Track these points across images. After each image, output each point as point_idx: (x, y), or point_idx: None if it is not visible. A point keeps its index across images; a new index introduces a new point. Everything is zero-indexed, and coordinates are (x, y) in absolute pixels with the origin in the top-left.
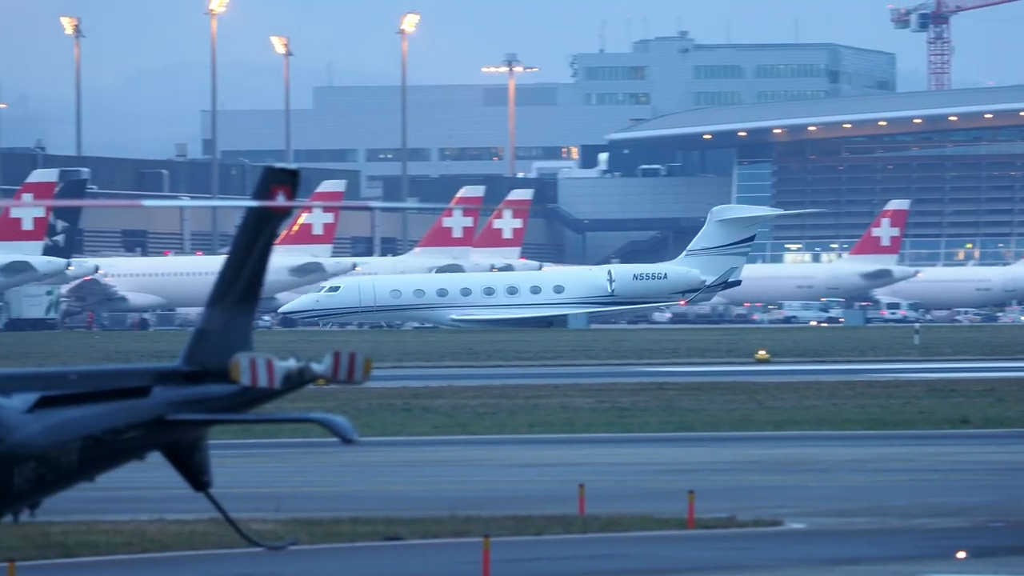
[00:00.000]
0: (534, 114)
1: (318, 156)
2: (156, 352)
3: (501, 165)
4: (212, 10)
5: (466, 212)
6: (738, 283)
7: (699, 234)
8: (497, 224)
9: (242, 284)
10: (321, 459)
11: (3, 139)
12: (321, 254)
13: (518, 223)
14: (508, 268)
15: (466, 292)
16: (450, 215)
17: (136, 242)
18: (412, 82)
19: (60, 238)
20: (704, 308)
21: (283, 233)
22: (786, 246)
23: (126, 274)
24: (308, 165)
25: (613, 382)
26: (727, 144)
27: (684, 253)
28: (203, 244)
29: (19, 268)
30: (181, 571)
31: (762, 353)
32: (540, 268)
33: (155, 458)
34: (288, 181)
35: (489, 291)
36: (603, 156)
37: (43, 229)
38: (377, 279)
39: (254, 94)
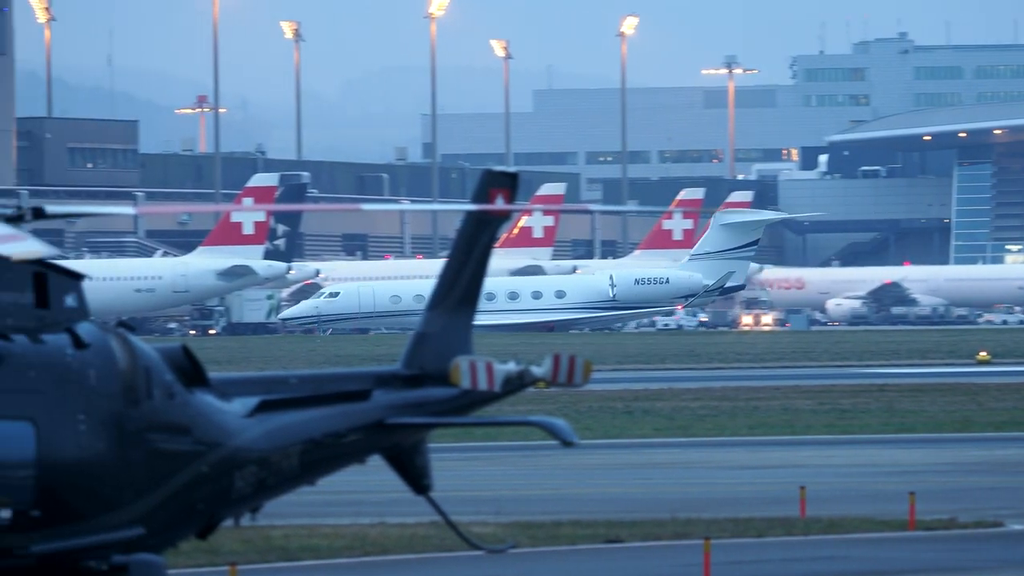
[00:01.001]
0: (754, 116)
1: (538, 159)
2: (377, 356)
3: (721, 167)
4: (431, 14)
5: (686, 215)
6: (742, 287)
7: (702, 238)
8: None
9: (462, 287)
10: (541, 462)
11: (224, 144)
12: (541, 257)
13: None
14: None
15: (489, 297)
16: (670, 218)
17: (356, 246)
18: (631, 84)
19: (281, 242)
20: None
21: (503, 236)
22: (1007, 247)
23: (347, 278)
24: (528, 168)
25: (833, 383)
26: (947, 145)
27: (688, 257)
28: (423, 247)
29: (240, 272)
30: (402, 574)
31: (983, 354)
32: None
33: (376, 461)
34: (507, 184)
35: (490, 296)
36: (823, 158)
37: (264, 233)
38: (377, 284)
39: (473, 97)
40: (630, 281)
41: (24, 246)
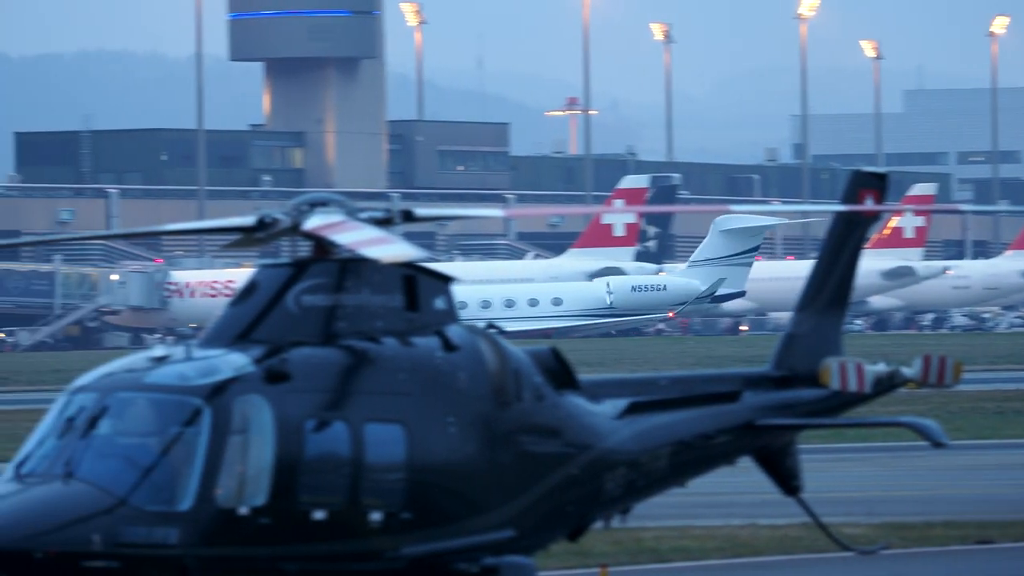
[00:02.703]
0: None
1: (908, 159)
2: (748, 357)
3: None
4: (801, 14)
5: None
6: (742, 294)
7: (702, 244)
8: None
9: (831, 288)
10: (912, 463)
11: (595, 145)
12: (912, 258)
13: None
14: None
15: (461, 306)
16: None
17: None
18: (1004, 84)
19: (652, 244)
20: None
21: (873, 237)
22: None
23: None
24: (897, 168)
25: None
26: None
27: (687, 264)
28: (794, 249)
29: (611, 274)
30: None
31: None
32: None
33: (746, 463)
34: (877, 185)
35: (486, 304)
36: None
37: (635, 235)
38: None
39: (843, 97)
40: (627, 288)
41: (394, 249)
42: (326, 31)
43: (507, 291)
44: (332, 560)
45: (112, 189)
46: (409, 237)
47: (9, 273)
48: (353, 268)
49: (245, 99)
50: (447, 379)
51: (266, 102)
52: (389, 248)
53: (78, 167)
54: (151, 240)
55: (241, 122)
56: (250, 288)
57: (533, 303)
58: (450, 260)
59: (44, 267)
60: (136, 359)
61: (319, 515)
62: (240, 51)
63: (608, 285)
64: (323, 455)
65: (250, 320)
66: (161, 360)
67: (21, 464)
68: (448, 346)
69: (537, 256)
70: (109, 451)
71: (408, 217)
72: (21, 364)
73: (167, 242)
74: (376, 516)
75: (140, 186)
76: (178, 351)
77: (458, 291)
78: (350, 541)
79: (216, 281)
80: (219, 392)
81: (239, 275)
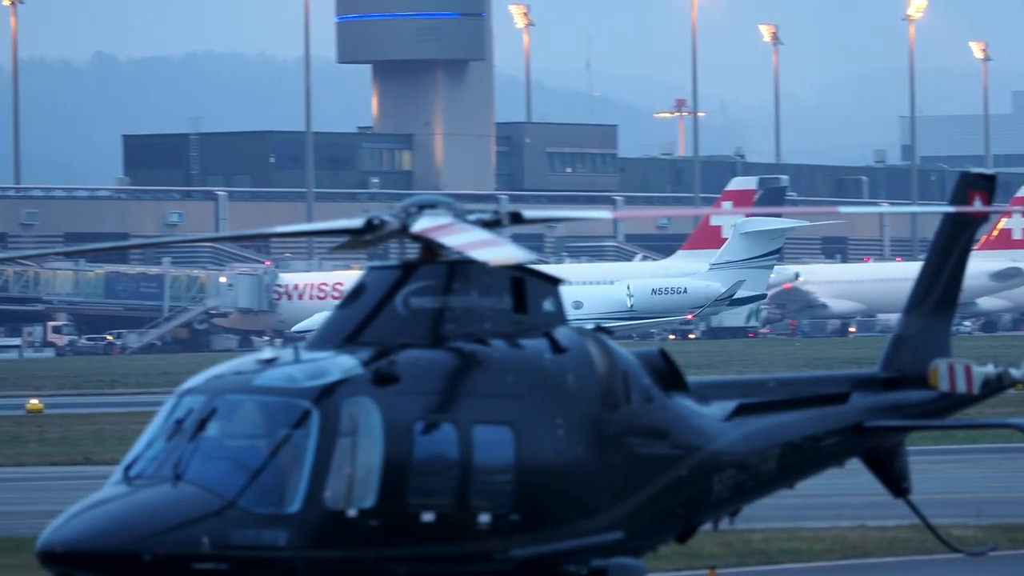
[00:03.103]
0: None
1: (1016, 161)
2: (857, 359)
3: None
4: (910, 16)
5: None
6: (763, 297)
7: (723, 247)
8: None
9: (939, 290)
10: (1022, 464)
11: (703, 147)
12: (1021, 259)
13: None
14: None
15: None
16: None
17: (836, 249)
18: None
19: None
20: None
21: (981, 238)
22: None
23: (826, 281)
24: (1006, 170)
25: None
26: None
27: (708, 267)
28: (902, 250)
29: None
30: None
31: None
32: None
33: (854, 464)
34: (985, 186)
35: None
36: None
37: None
38: None
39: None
40: (647, 291)
41: (502, 251)
42: (434, 33)
43: None
44: (441, 562)
45: (220, 192)
46: (517, 239)
47: (118, 276)
48: (461, 270)
49: (353, 101)
50: (555, 381)
51: (374, 104)
52: (497, 250)
53: (187, 170)
54: (259, 242)
55: (349, 124)
56: (358, 290)
57: None
58: (559, 262)
59: (153, 270)
60: (244, 361)
61: (428, 517)
62: (348, 53)
63: (628, 288)
64: (431, 457)
65: (358, 322)
66: (269, 362)
67: (130, 466)
68: (556, 348)
69: (645, 258)
70: (217, 453)
71: (516, 219)
72: (130, 366)
73: (275, 244)
74: (485, 518)
75: (248, 188)
76: (287, 353)
77: None
78: (459, 543)
79: (324, 283)
80: (327, 394)
81: (347, 277)
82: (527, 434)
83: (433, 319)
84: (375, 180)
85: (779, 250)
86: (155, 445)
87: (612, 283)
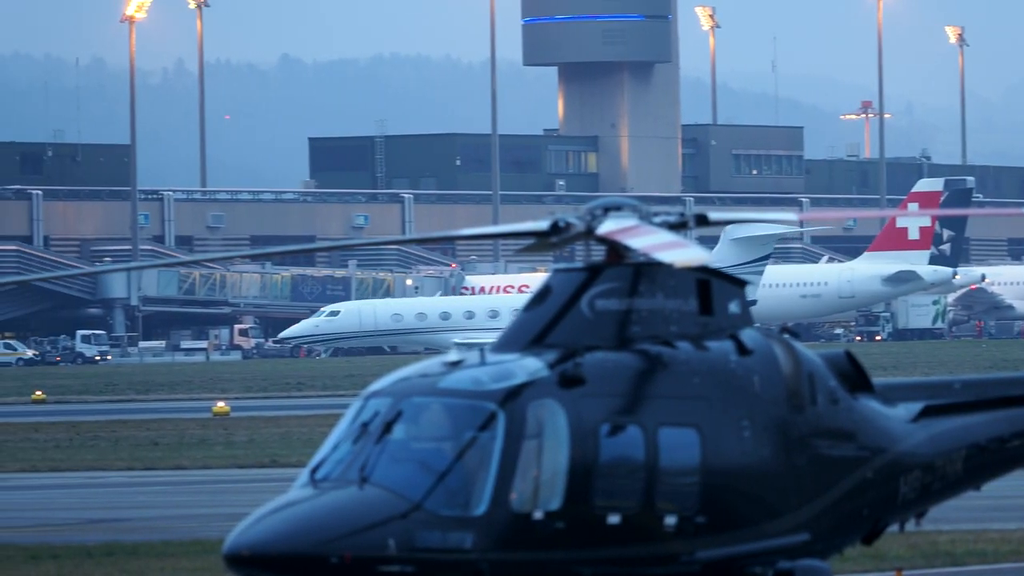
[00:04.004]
0: None
1: None
2: None
3: None
4: None
5: None
6: (752, 303)
7: (712, 253)
8: None
9: None
10: None
11: (889, 149)
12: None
13: None
14: None
15: (469, 315)
16: None
17: (1022, 250)
18: None
19: (946, 247)
20: None
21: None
22: None
23: (1013, 282)
24: None
25: None
26: None
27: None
28: None
29: (905, 278)
30: None
31: None
32: None
33: None
34: None
35: (493, 314)
36: None
37: (929, 239)
38: (378, 303)
39: None
40: None
41: (688, 253)
42: (620, 36)
43: (516, 301)
44: (627, 564)
45: (406, 194)
46: (703, 241)
47: (304, 279)
48: (647, 272)
49: (539, 104)
50: (741, 383)
51: (560, 106)
52: (683, 252)
53: (372, 172)
54: (445, 245)
55: (535, 127)
56: (544, 292)
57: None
58: None
59: (339, 272)
60: (430, 364)
61: (614, 519)
62: (534, 56)
63: None
64: (617, 459)
65: (544, 325)
66: (455, 365)
67: (316, 469)
68: (742, 350)
69: (831, 260)
70: (403, 456)
71: (702, 221)
72: (316, 369)
73: (461, 247)
74: (671, 520)
75: (434, 191)
76: (473, 356)
77: (474, 303)
78: (645, 545)
79: (510, 285)
80: (513, 397)
81: (533, 279)
82: (713, 436)
83: (619, 321)
84: (561, 182)
85: (769, 256)
86: (341, 448)
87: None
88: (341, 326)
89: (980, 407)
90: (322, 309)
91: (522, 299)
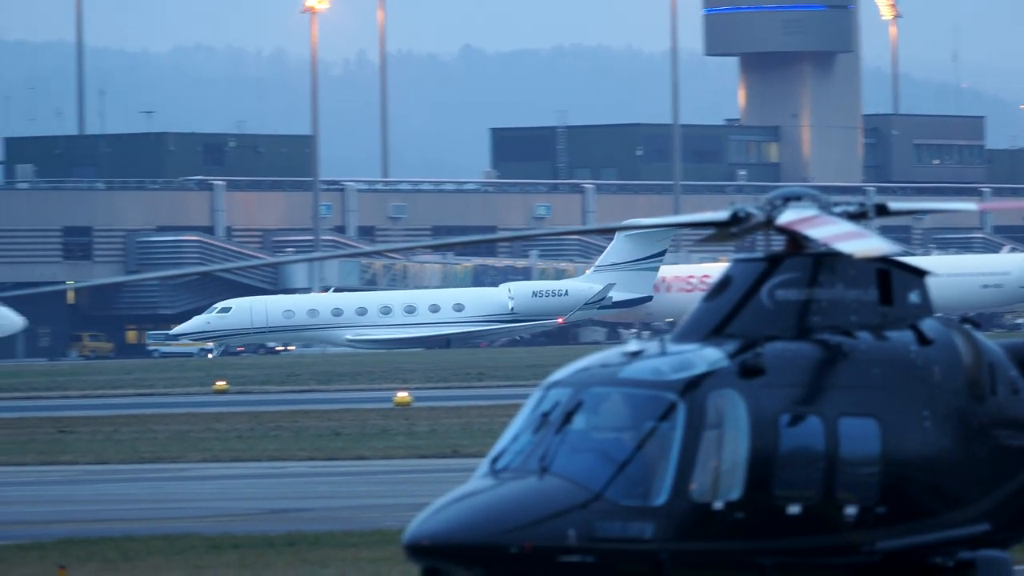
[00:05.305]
0: None
1: None
2: None
3: None
4: None
5: None
6: (648, 299)
7: (608, 249)
8: None
9: None
10: None
11: None
12: None
13: None
14: None
15: (362, 311)
16: None
17: None
18: None
19: None
20: None
21: None
22: None
23: None
24: None
25: None
26: None
27: (592, 268)
28: None
29: None
30: None
31: None
32: None
33: None
34: None
35: (386, 310)
36: None
37: None
38: (269, 299)
39: None
40: (527, 294)
41: (867, 243)
42: (801, 25)
43: (408, 297)
44: (807, 554)
45: (588, 184)
46: (884, 231)
47: (486, 269)
48: (827, 263)
49: (720, 94)
50: (921, 373)
51: (741, 97)
52: (863, 243)
53: (554, 163)
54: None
55: (716, 117)
56: (724, 283)
57: (434, 309)
58: (926, 254)
59: (520, 263)
60: (610, 354)
61: (794, 509)
62: (715, 46)
63: (510, 291)
64: (797, 449)
65: (724, 315)
66: (635, 355)
67: (496, 459)
68: (922, 340)
69: (1013, 250)
70: (584, 446)
71: (882, 211)
72: (497, 359)
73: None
74: (851, 510)
75: (615, 181)
76: (652, 346)
77: (366, 299)
78: (825, 535)
79: (692, 275)
80: (694, 387)
81: (714, 270)
82: (893, 426)
83: (798, 311)
84: (742, 172)
85: (664, 252)
86: (521, 438)
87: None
88: (232, 323)
89: None
90: (213, 306)
91: (416, 296)
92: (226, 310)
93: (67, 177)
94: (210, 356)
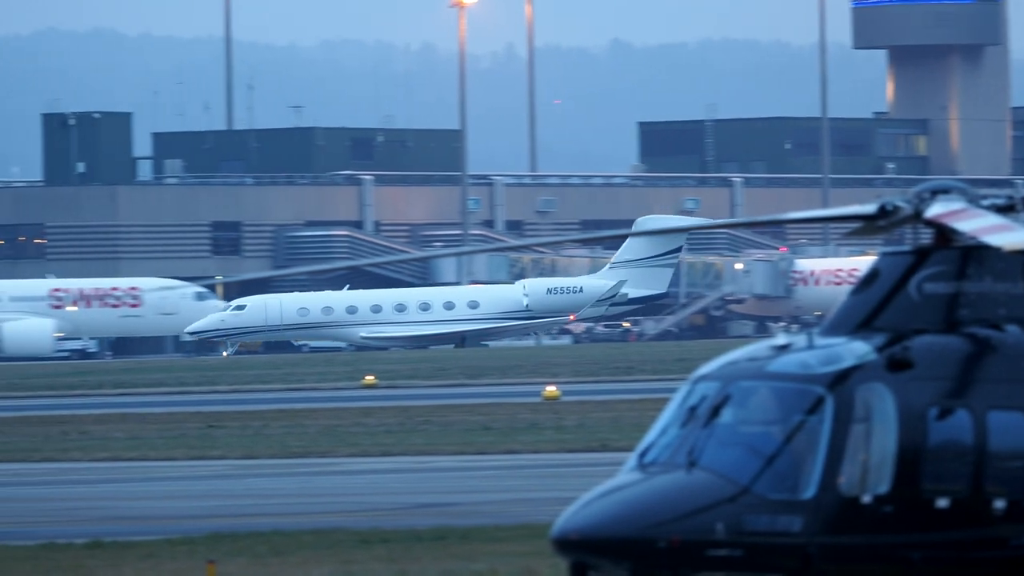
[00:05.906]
0: None
1: None
2: None
3: None
4: None
5: None
6: (665, 295)
7: (623, 246)
8: None
9: None
10: None
11: None
12: None
13: None
14: None
15: (376, 309)
16: None
17: None
18: None
19: None
20: None
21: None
22: None
23: None
24: None
25: None
26: None
27: (607, 266)
28: None
29: None
30: None
31: None
32: None
33: None
34: None
35: (400, 307)
36: None
37: None
38: (284, 296)
39: None
40: (542, 290)
41: (1016, 236)
42: (950, 18)
43: (423, 294)
44: (955, 548)
45: (736, 178)
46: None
47: None
48: (975, 256)
49: (868, 87)
50: None
51: (889, 90)
52: (1012, 235)
53: (702, 156)
54: (775, 228)
55: (864, 110)
56: (871, 276)
57: (449, 306)
58: None
59: None
60: (758, 348)
61: (943, 503)
62: (864, 39)
63: (524, 287)
64: (946, 443)
65: (872, 308)
66: (783, 348)
67: (644, 453)
68: None
69: None
70: (731, 440)
71: None
72: (646, 353)
73: (791, 230)
74: (1000, 504)
75: (764, 175)
76: (800, 339)
77: (381, 297)
78: (974, 529)
79: (840, 269)
80: (841, 380)
81: (862, 263)
82: None
83: (947, 305)
84: (891, 165)
85: (679, 248)
86: (669, 432)
87: None
88: (246, 320)
89: None
90: (229, 303)
91: (431, 293)
92: (241, 307)
93: (215, 172)
94: (225, 355)
